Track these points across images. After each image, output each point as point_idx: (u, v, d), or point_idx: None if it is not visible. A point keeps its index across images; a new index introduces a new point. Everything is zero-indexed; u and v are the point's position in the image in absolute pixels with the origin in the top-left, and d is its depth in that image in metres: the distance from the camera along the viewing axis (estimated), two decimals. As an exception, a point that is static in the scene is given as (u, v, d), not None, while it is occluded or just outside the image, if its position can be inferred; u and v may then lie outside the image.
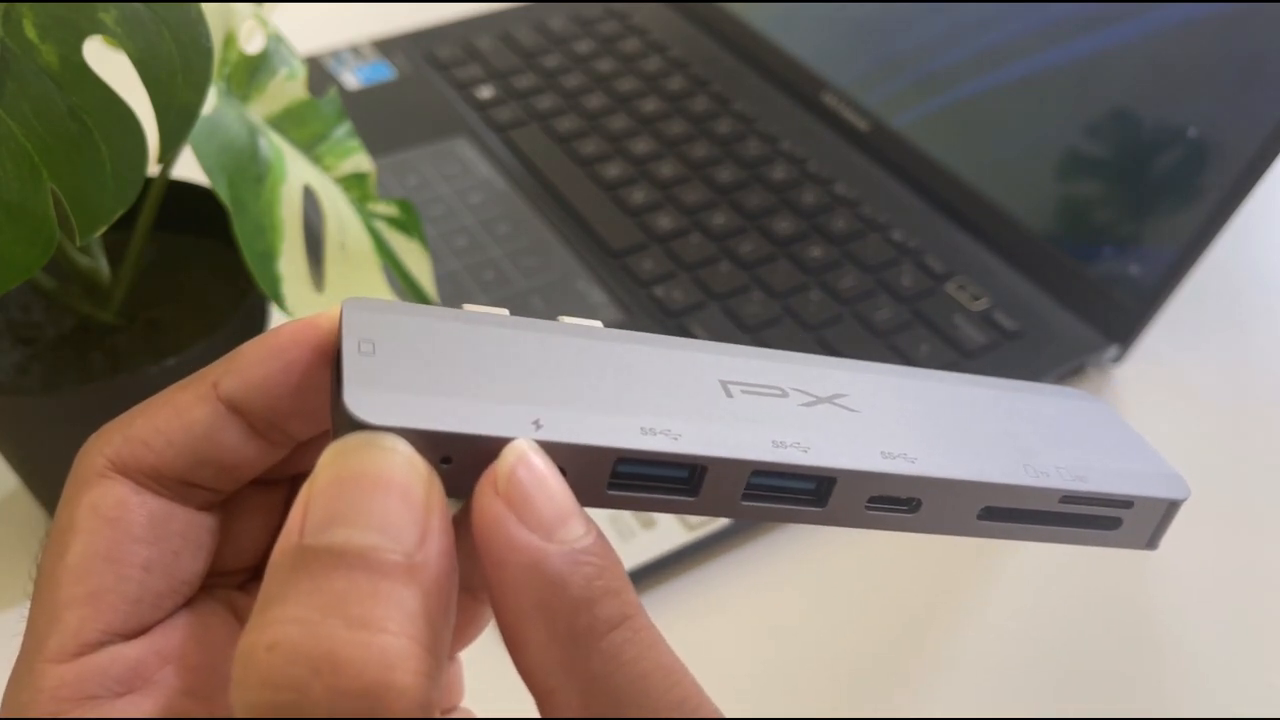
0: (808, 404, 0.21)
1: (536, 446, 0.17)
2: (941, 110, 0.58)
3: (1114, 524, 0.22)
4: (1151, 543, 0.22)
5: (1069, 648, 0.41)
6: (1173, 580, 0.43)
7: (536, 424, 0.18)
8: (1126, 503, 0.21)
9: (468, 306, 0.20)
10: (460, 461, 0.17)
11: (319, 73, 0.65)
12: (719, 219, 0.56)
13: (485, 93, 0.64)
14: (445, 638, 0.16)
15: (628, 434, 0.18)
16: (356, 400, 0.17)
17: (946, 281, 0.53)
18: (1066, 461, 0.21)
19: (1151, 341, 0.52)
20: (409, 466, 0.16)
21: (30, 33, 0.27)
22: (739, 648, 0.40)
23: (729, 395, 0.20)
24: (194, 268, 0.41)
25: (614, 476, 0.18)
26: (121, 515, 0.18)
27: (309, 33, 0.67)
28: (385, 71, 0.66)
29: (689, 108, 0.64)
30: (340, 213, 0.41)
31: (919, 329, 0.51)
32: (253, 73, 0.40)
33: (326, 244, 0.40)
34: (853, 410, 0.21)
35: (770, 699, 0.39)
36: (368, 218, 0.43)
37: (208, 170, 0.34)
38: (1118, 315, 0.50)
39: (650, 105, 0.63)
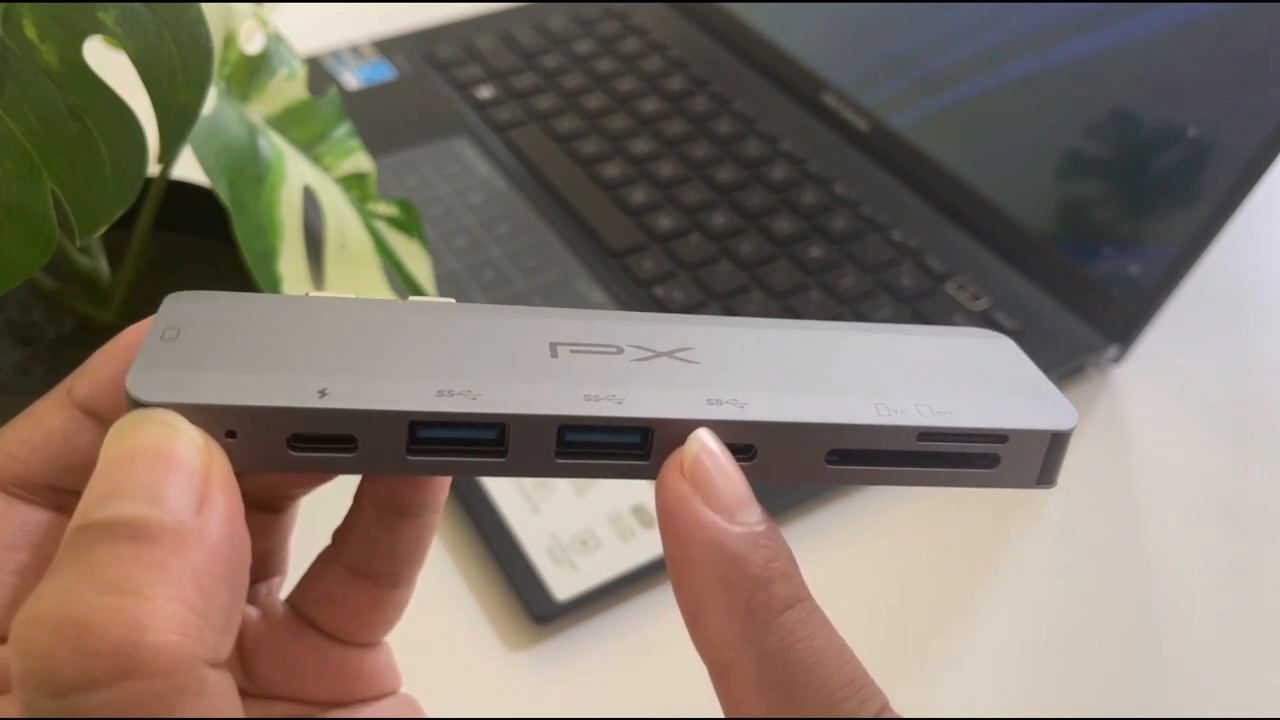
0: (642, 359, 0.20)
1: (714, 435, 0.18)
2: (941, 110, 0.58)
3: (991, 461, 0.20)
4: (1043, 480, 0.20)
5: (1069, 647, 0.41)
6: (1173, 580, 0.43)
7: (321, 393, 0.17)
8: (999, 437, 0.20)
9: (313, 294, 0.20)
10: (245, 434, 0.17)
11: (319, 73, 0.65)
12: (719, 219, 0.56)
13: (485, 93, 0.64)
14: (222, 600, 0.16)
15: (422, 397, 0.18)
16: (136, 380, 0.17)
17: (946, 281, 0.53)
18: (933, 399, 0.20)
19: (1151, 341, 0.52)
20: (184, 439, 0.16)
21: (30, 33, 0.27)
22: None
23: (554, 356, 0.19)
24: (194, 268, 0.41)
25: (415, 442, 0.18)
26: None
27: (309, 33, 0.67)
28: (385, 71, 0.66)
29: (689, 108, 0.64)
30: (340, 213, 0.41)
31: (919, 329, 0.51)
32: (253, 73, 0.40)
33: (326, 244, 0.40)
34: (693, 363, 0.20)
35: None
36: (368, 218, 0.43)
37: (208, 170, 0.34)
38: (1118, 315, 0.50)
39: (650, 105, 0.63)
